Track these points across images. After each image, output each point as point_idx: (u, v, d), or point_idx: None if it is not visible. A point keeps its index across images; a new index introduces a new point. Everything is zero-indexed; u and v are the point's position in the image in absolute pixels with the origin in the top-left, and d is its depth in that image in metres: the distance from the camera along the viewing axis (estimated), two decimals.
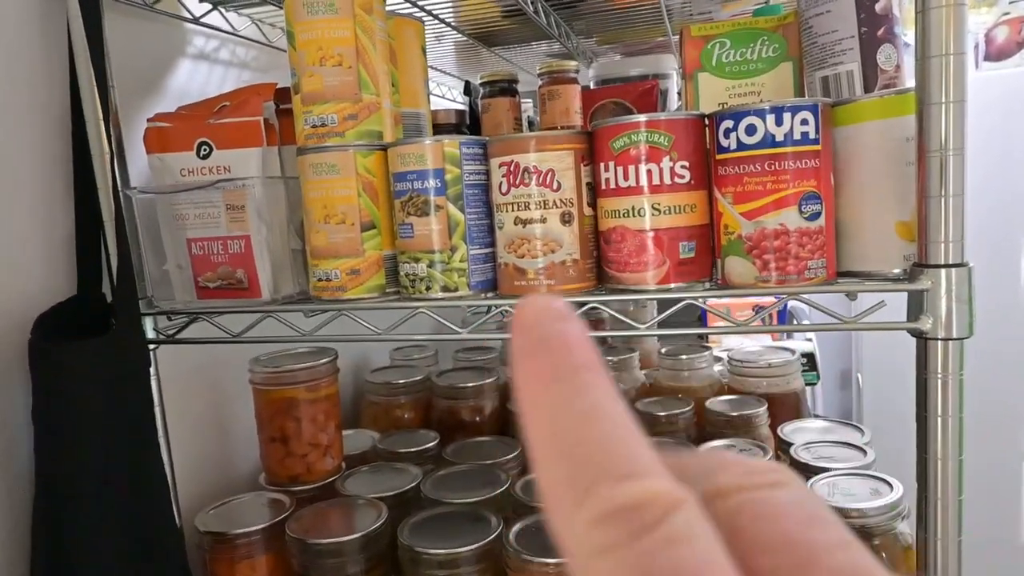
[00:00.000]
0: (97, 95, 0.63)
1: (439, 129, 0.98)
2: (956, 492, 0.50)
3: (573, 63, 0.95)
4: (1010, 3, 1.45)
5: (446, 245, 0.60)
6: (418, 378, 1.03)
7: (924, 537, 0.51)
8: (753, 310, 0.58)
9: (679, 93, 1.07)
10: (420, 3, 0.89)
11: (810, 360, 1.32)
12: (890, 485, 0.67)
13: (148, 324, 0.68)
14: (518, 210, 0.57)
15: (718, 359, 1.10)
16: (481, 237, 0.60)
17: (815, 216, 0.52)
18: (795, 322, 1.56)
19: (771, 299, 0.68)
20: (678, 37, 0.73)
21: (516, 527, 0.66)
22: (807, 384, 1.33)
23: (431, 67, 1.28)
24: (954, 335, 0.49)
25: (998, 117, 1.41)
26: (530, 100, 1.22)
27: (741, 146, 0.53)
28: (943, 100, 0.47)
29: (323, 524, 0.70)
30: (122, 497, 0.60)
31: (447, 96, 1.46)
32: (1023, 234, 1.37)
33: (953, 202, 0.48)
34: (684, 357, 1.02)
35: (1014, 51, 1.46)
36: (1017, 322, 1.39)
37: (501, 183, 0.58)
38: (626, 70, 1.13)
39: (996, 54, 1.51)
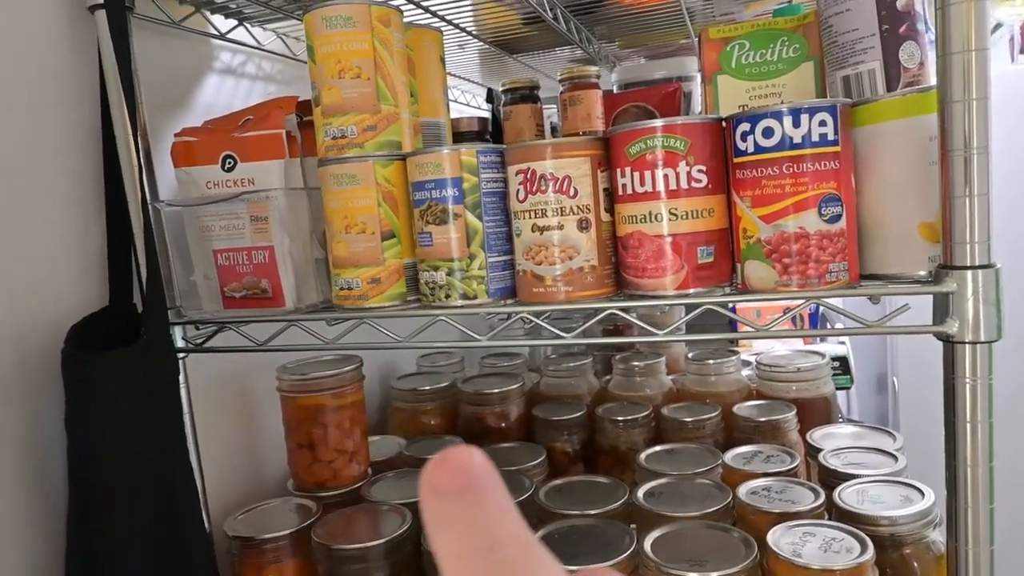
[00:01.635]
0: (126, 112, 0.65)
1: (462, 137, 0.98)
2: (987, 500, 0.49)
3: (594, 68, 0.95)
4: None
5: (465, 253, 0.60)
6: (444, 384, 1.03)
7: (955, 546, 0.50)
8: (784, 311, 0.57)
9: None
10: (440, 13, 0.90)
11: (843, 364, 1.30)
12: (921, 492, 0.66)
13: (177, 333, 0.69)
14: (535, 217, 0.57)
15: (747, 363, 1.08)
16: (499, 244, 0.61)
17: (836, 218, 0.51)
18: (828, 324, 1.53)
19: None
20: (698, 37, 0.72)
21: (540, 533, 0.66)
22: (840, 388, 1.31)
23: (455, 75, 1.30)
24: (982, 338, 0.48)
25: None
26: (553, 105, 1.22)
27: (759, 149, 0.52)
28: (965, 97, 0.46)
29: (348, 530, 0.71)
30: (153, 503, 0.61)
31: (471, 104, 1.47)
32: None
33: (978, 202, 0.47)
34: (711, 362, 1.01)
35: None
36: None
37: (518, 190, 0.58)
38: (649, 73, 1.13)
39: None
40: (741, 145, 0.53)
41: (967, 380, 0.49)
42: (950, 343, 0.49)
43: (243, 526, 0.73)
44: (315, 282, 0.68)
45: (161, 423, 0.63)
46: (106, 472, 0.58)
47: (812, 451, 0.82)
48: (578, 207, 0.57)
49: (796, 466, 0.77)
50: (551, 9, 0.89)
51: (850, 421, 1.32)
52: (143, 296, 0.66)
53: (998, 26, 1.45)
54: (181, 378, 0.70)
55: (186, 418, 0.70)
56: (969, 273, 0.48)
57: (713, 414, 0.92)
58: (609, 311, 0.57)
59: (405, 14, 0.66)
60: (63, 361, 0.59)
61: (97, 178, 0.68)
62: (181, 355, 0.70)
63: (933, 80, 0.55)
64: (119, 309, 0.67)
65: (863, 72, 0.60)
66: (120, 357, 0.60)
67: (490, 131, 1.03)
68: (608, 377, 1.10)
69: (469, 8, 0.91)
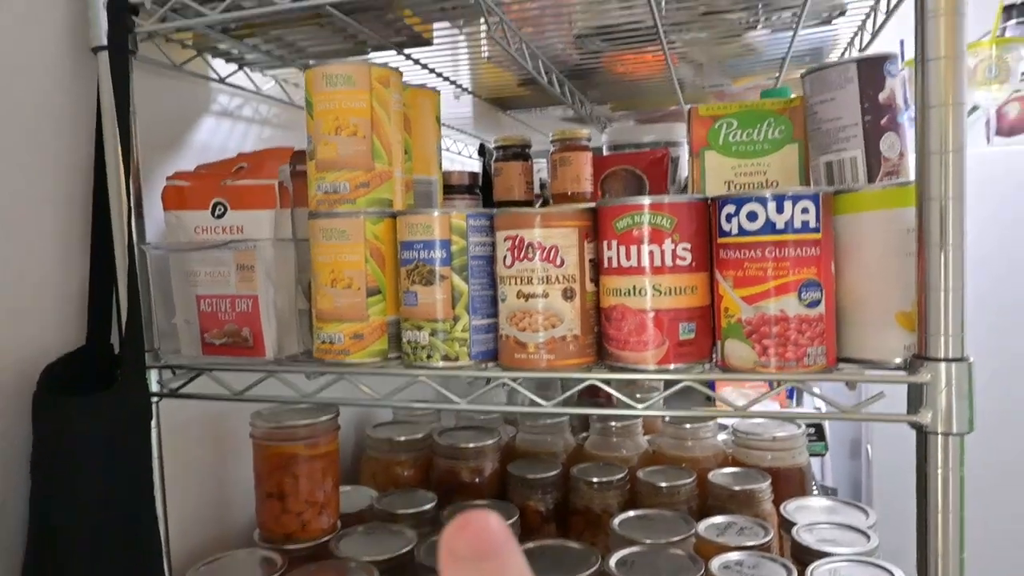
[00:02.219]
0: (120, 152, 0.65)
1: (452, 190, 0.99)
2: None
3: (585, 131, 0.97)
4: (1022, 80, 1.47)
5: (449, 315, 0.60)
6: (419, 436, 1.02)
7: None
8: (770, 388, 0.57)
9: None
10: (439, 70, 0.92)
11: (818, 430, 1.31)
12: (892, 575, 0.66)
13: (153, 377, 0.68)
14: (521, 284, 0.58)
15: (724, 427, 1.09)
16: (484, 308, 0.61)
17: (815, 304, 0.52)
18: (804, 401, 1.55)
19: None
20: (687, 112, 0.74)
21: None
22: (815, 455, 1.31)
23: (449, 126, 1.32)
24: (954, 430, 0.49)
25: (1010, 190, 1.41)
26: (544, 159, 1.24)
27: (743, 231, 0.53)
28: (942, 195, 0.48)
29: None
30: (114, 552, 0.59)
31: (463, 153, 1.49)
32: None
33: (953, 296, 0.48)
34: (688, 426, 1.01)
35: None
36: None
37: (506, 256, 0.59)
38: (639, 137, 1.15)
39: (1008, 129, 1.53)
40: (726, 226, 0.54)
41: (939, 470, 0.49)
42: (923, 433, 0.50)
43: None
44: (297, 333, 0.68)
45: (129, 469, 0.62)
46: (67, 519, 0.57)
47: (786, 524, 0.82)
48: (564, 276, 0.57)
49: (769, 540, 0.76)
50: (546, 73, 0.91)
51: (823, 488, 1.32)
52: (121, 337, 0.65)
53: (975, 108, 1.51)
54: (153, 422, 0.69)
55: (155, 464, 0.68)
56: (943, 365, 0.49)
57: (688, 480, 0.92)
58: (589, 382, 0.57)
59: (404, 69, 0.68)
60: (34, 403, 0.58)
61: (85, 215, 0.68)
62: (155, 399, 0.69)
63: (912, 170, 0.57)
64: (96, 349, 0.67)
65: (845, 159, 0.62)
66: (93, 402, 0.59)
67: (480, 185, 1.05)
68: (585, 434, 1.09)
69: (467, 67, 0.93)
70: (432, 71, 0.92)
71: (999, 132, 1.55)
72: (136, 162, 0.68)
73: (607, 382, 0.57)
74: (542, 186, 1.20)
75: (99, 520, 0.59)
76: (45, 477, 0.58)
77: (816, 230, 0.52)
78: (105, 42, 0.65)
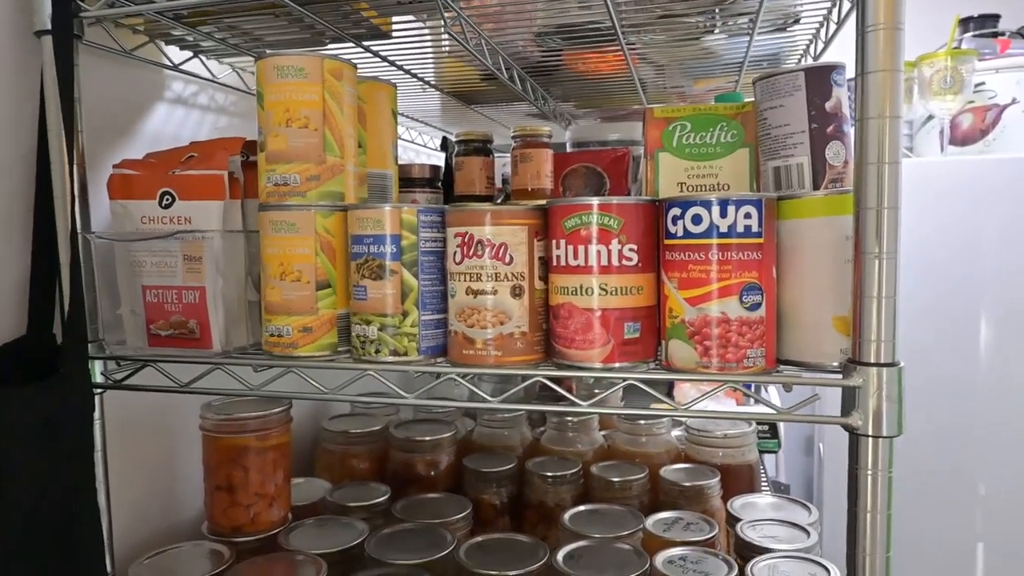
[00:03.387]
0: (64, 138, 0.64)
1: (413, 183, 0.99)
2: None
3: (546, 128, 0.97)
4: (975, 91, 1.51)
5: (398, 309, 0.60)
6: (375, 428, 1.02)
7: None
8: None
9: None
10: (400, 63, 0.92)
11: (772, 428, 1.33)
12: (827, 570, 0.67)
13: (96, 368, 0.67)
14: (470, 280, 0.58)
15: (678, 424, 1.10)
16: (434, 303, 0.61)
17: (755, 307, 0.53)
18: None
19: None
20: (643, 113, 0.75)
21: None
22: (767, 452, 1.34)
23: (414, 118, 1.31)
24: (883, 433, 0.50)
25: (962, 199, 1.45)
26: (508, 154, 1.24)
27: (687, 234, 0.54)
28: (878, 206, 0.49)
29: None
30: (49, 546, 0.58)
31: (429, 145, 1.48)
32: (983, 316, 1.40)
33: (886, 303, 0.50)
34: (642, 423, 1.02)
35: (978, 137, 1.51)
36: (973, 403, 1.41)
37: (456, 252, 0.59)
38: (601, 135, 1.16)
39: (961, 139, 1.57)
40: (672, 228, 0.55)
41: (868, 471, 0.51)
42: (855, 435, 0.51)
43: (148, 571, 0.70)
44: (246, 325, 0.67)
45: (68, 463, 0.60)
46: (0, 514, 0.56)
47: (731, 520, 0.84)
48: (512, 274, 0.58)
49: (714, 536, 0.78)
50: (507, 69, 0.91)
51: (776, 484, 1.35)
52: (63, 327, 0.64)
53: (930, 118, 1.54)
54: (97, 414, 0.68)
55: (98, 456, 0.67)
56: (874, 370, 0.50)
57: (640, 475, 0.93)
58: (535, 379, 0.58)
59: (364, 63, 0.67)
60: None
61: (27, 202, 0.66)
62: (99, 391, 0.68)
63: None
64: (37, 339, 0.65)
65: (792, 165, 0.63)
66: (31, 392, 0.58)
67: (441, 179, 1.05)
68: (542, 429, 1.10)
69: (430, 60, 0.93)
70: (393, 64, 0.91)
71: (952, 141, 1.59)
72: (81, 149, 0.66)
73: (552, 380, 0.57)
74: (504, 181, 1.20)
75: (33, 514, 0.57)
76: None
77: (759, 235, 0.53)
78: (49, 26, 0.63)
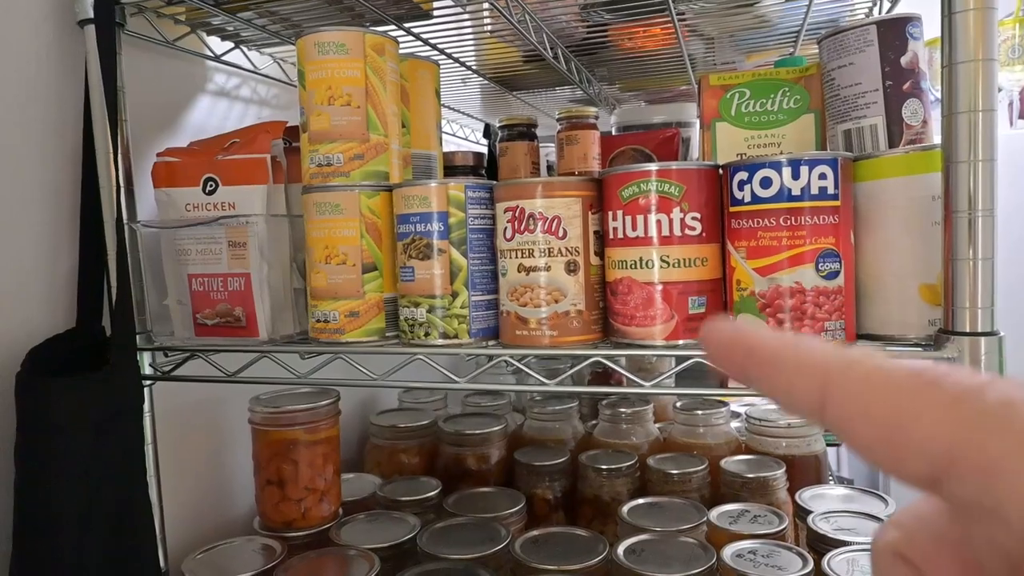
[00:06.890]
0: (108, 128, 0.63)
1: (456, 171, 0.97)
2: None
3: (593, 109, 0.94)
4: None
5: (447, 290, 0.58)
6: (424, 423, 1.00)
7: None
8: None
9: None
10: (441, 46, 0.89)
11: None
12: None
13: (145, 360, 0.66)
14: (522, 257, 0.55)
15: (736, 415, 1.06)
16: (484, 283, 0.58)
17: (833, 275, 0.49)
18: None
19: None
20: (697, 82, 0.71)
21: None
22: (831, 445, 1.28)
23: (455, 109, 1.29)
24: None
25: None
26: (551, 144, 1.21)
27: (756, 199, 0.50)
28: (971, 158, 0.45)
29: (312, 575, 0.67)
30: (103, 541, 0.57)
31: (469, 139, 1.46)
32: None
33: (982, 265, 0.45)
34: (700, 412, 0.98)
35: None
36: None
37: (506, 228, 0.56)
38: (648, 117, 1.12)
39: None
40: (738, 194, 0.51)
41: None
42: None
43: (201, 566, 0.69)
44: (292, 312, 0.66)
45: (119, 455, 0.59)
46: (55, 508, 0.55)
47: (801, 512, 0.79)
48: (567, 248, 0.55)
49: (784, 528, 0.73)
50: (552, 48, 0.88)
51: (840, 479, 1.28)
52: (111, 318, 0.63)
53: (998, 90, 1.46)
54: (147, 407, 0.67)
55: (148, 450, 0.67)
56: (969, 340, 0.45)
57: (700, 467, 0.89)
58: (594, 358, 0.54)
59: (405, 46, 0.65)
60: (17, 386, 0.56)
61: (74, 196, 0.66)
62: (148, 383, 0.67)
63: (936, 138, 0.53)
64: (86, 332, 0.65)
65: (865, 127, 0.59)
66: (81, 384, 0.57)
67: (485, 166, 1.02)
68: (594, 422, 1.07)
69: (471, 43, 0.90)
70: (434, 47, 0.89)
71: (1022, 115, 1.50)
72: (126, 138, 0.66)
73: (613, 359, 0.54)
74: (549, 169, 1.17)
75: (87, 509, 0.56)
76: (29, 464, 0.56)
77: (835, 197, 0.49)
78: (91, 15, 0.62)
